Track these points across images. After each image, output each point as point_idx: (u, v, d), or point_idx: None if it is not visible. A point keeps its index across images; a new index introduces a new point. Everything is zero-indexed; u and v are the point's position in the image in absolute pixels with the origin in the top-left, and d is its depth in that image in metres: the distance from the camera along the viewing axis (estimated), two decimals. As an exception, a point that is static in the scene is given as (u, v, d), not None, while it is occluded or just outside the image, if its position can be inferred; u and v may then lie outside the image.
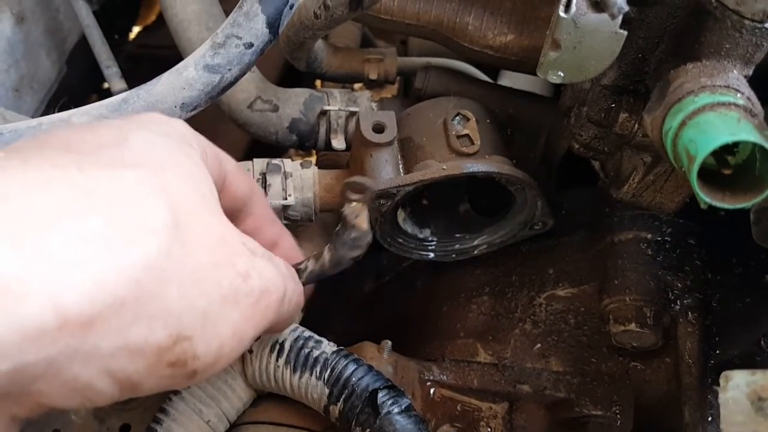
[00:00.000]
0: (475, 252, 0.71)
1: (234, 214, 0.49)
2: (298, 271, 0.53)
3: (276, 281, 0.42)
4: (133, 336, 0.34)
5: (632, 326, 0.59)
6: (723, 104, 0.37)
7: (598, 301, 0.62)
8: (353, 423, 0.54)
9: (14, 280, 0.29)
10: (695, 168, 0.36)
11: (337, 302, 0.81)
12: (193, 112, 0.54)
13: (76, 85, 1.00)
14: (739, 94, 0.38)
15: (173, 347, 0.35)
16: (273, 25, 0.53)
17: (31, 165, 0.33)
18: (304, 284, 0.53)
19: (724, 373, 0.34)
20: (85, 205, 0.33)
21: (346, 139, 0.72)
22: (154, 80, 0.53)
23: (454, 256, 0.71)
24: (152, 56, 1.10)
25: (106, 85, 0.96)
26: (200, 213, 0.37)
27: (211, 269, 0.37)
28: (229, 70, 0.53)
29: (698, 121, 0.37)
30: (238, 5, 0.54)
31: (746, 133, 0.35)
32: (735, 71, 0.41)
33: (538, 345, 0.65)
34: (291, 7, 0.54)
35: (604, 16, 0.42)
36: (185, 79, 0.53)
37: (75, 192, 0.33)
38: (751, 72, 0.43)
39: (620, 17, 0.41)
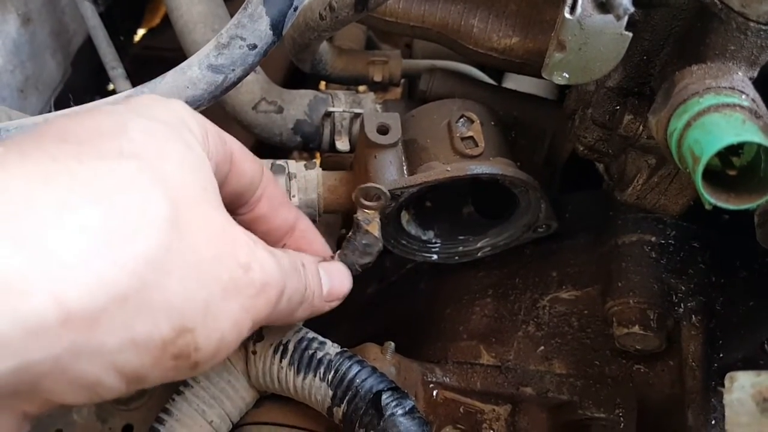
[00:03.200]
0: (479, 254, 0.71)
1: (245, 195, 0.49)
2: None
3: (275, 276, 0.41)
4: (138, 330, 0.34)
5: (636, 329, 0.59)
6: (728, 105, 0.37)
7: (601, 303, 0.63)
8: (357, 425, 0.54)
9: (16, 277, 0.29)
10: (700, 169, 0.36)
11: (341, 304, 0.81)
12: (198, 109, 0.54)
13: (81, 87, 1.00)
14: (743, 96, 0.38)
15: (176, 340, 0.35)
16: (277, 26, 0.53)
17: (31, 159, 0.33)
18: None
19: (728, 375, 0.34)
20: (85, 198, 0.32)
21: (350, 140, 0.72)
22: (159, 78, 0.54)
23: (457, 258, 0.71)
24: (157, 58, 1.10)
25: (110, 87, 0.96)
26: (200, 204, 0.37)
27: (212, 261, 0.37)
28: (233, 70, 0.54)
29: (703, 122, 0.37)
30: (242, 7, 0.54)
31: (751, 134, 0.35)
32: (740, 73, 0.41)
33: (542, 347, 0.65)
34: (295, 9, 0.54)
35: (610, 17, 0.42)
36: (189, 78, 0.53)
37: (75, 185, 0.33)
38: (756, 74, 0.43)
39: (625, 19, 0.41)
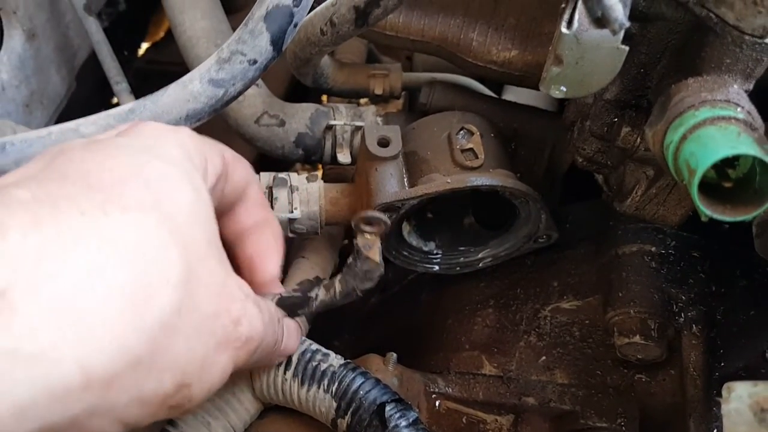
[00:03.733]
0: (480, 265, 0.71)
1: (235, 201, 0.50)
2: (308, 300, 0.54)
3: (259, 330, 0.43)
4: (146, 389, 0.35)
5: (637, 339, 0.59)
6: (723, 118, 0.38)
7: (602, 313, 0.63)
8: (360, 436, 0.54)
9: (50, 347, 0.31)
10: (696, 181, 0.37)
11: (343, 315, 0.81)
12: (197, 124, 0.55)
13: (85, 101, 1.01)
14: (739, 108, 0.39)
15: (176, 395, 0.37)
16: (277, 42, 0.54)
17: (62, 213, 0.33)
18: (313, 313, 0.55)
19: (726, 385, 0.35)
20: (112, 258, 0.33)
21: (351, 153, 0.72)
22: (161, 91, 0.54)
23: (458, 269, 0.72)
24: (161, 72, 1.11)
25: (115, 100, 0.97)
26: (208, 260, 0.39)
27: (211, 318, 0.38)
28: (233, 84, 0.54)
29: (699, 134, 0.37)
30: (243, 22, 0.55)
31: (746, 146, 0.35)
32: (735, 86, 0.42)
33: (543, 357, 0.65)
34: (295, 26, 0.55)
35: (606, 32, 0.42)
36: (190, 92, 0.54)
37: (103, 245, 0.33)
38: (751, 86, 0.44)
39: (622, 33, 0.42)
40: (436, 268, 0.71)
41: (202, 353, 0.38)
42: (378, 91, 0.75)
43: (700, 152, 0.36)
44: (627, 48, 0.43)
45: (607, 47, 0.43)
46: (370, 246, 0.56)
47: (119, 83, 0.82)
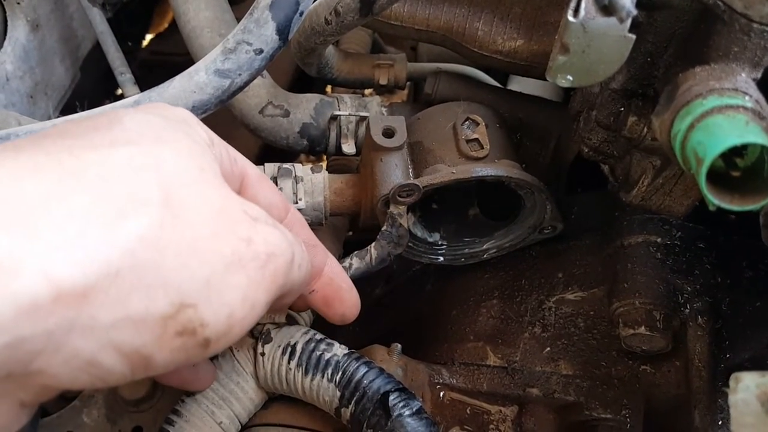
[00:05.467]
0: (485, 256, 0.71)
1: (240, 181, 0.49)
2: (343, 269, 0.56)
3: (282, 245, 0.41)
4: (133, 306, 0.34)
5: (642, 329, 0.59)
6: (731, 107, 0.37)
7: (607, 304, 0.62)
8: (365, 425, 0.54)
9: (6, 257, 0.30)
10: (704, 170, 0.36)
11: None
12: (203, 115, 0.55)
13: (89, 91, 1.01)
14: (747, 97, 0.38)
15: (177, 315, 0.35)
16: (283, 31, 0.54)
17: (24, 153, 0.34)
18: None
19: (733, 375, 0.34)
20: (72, 186, 0.33)
21: (356, 143, 0.72)
22: (166, 83, 0.54)
23: (463, 260, 0.72)
24: (165, 63, 1.11)
25: (119, 91, 0.97)
26: (197, 185, 0.38)
27: (210, 239, 0.37)
28: (239, 75, 0.54)
29: (707, 123, 0.37)
30: (248, 12, 0.55)
31: (754, 135, 0.35)
32: (743, 74, 0.41)
33: (548, 348, 0.65)
34: (300, 15, 0.54)
35: (613, 20, 0.42)
36: (196, 83, 0.54)
37: (63, 175, 0.34)
38: (759, 75, 0.43)
39: (629, 21, 0.42)
40: (441, 259, 0.71)
41: (205, 273, 0.36)
42: (383, 81, 0.75)
43: (708, 141, 0.36)
44: (634, 36, 0.43)
45: (614, 36, 0.42)
46: (402, 214, 0.62)
47: (123, 74, 0.82)
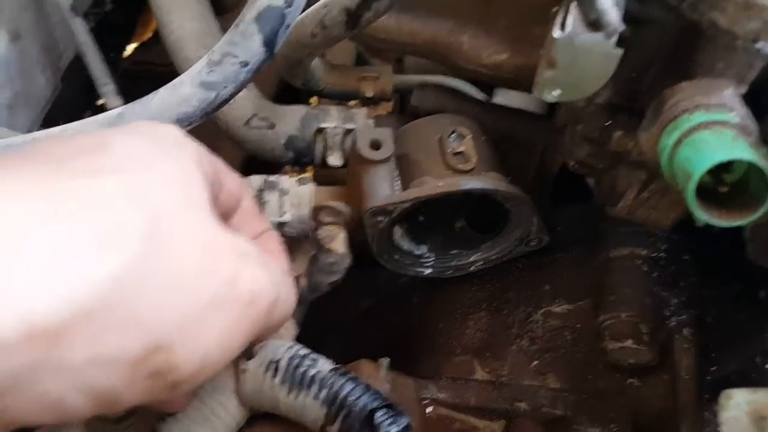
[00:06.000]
0: (472, 268, 0.71)
1: (229, 213, 0.48)
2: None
3: (266, 287, 0.40)
4: (106, 347, 0.32)
5: (628, 343, 0.59)
6: (718, 123, 0.38)
7: (594, 317, 0.63)
8: (351, 443, 0.53)
9: None
10: (692, 186, 0.36)
11: (334, 319, 0.80)
12: (188, 128, 0.54)
13: (71, 102, 1.00)
14: (734, 113, 0.39)
15: (149, 358, 0.34)
16: (269, 44, 0.53)
17: (8, 176, 0.33)
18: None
19: (724, 392, 0.34)
20: (52, 216, 0.32)
21: (343, 155, 0.72)
22: (151, 95, 0.53)
23: (450, 272, 0.71)
24: (149, 73, 1.10)
25: (100, 101, 0.96)
26: (184, 219, 0.36)
27: (193, 277, 0.35)
28: (225, 87, 0.53)
29: (694, 139, 0.37)
30: (234, 24, 0.54)
31: (740, 151, 0.35)
32: (730, 90, 0.41)
33: (536, 362, 0.65)
34: (287, 27, 0.54)
35: (600, 35, 0.42)
36: (181, 95, 0.53)
37: (46, 202, 0.32)
38: (745, 90, 0.43)
39: (616, 36, 0.42)
40: (428, 271, 0.71)
41: (182, 314, 0.34)
42: (369, 93, 0.75)
43: (696, 157, 0.36)
44: (621, 51, 0.43)
45: (601, 51, 0.43)
46: (333, 237, 0.55)
47: (106, 84, 0.81)
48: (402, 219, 0.67)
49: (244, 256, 0.39)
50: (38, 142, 0.38)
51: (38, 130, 0.92)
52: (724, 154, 0.35)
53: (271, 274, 0.41)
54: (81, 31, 0.84)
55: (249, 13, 0.54)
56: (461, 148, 0.65)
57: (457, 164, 0.64)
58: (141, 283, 0.33)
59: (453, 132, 0.66)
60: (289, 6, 0.53)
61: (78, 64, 0.95)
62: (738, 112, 0.39)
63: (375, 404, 0.54)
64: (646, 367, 0.60)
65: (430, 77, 0.81)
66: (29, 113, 0.94)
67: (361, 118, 0.72)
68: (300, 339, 0.62)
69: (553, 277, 0.68)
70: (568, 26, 0.42)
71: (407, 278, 0.77)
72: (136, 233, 0.33)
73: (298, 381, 0.55)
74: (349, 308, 0.78)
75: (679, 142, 0.38)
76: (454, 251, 0.71)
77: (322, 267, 0.54)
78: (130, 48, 1.18)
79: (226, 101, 0.55)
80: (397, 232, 0.69)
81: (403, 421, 0.54)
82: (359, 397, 0.54)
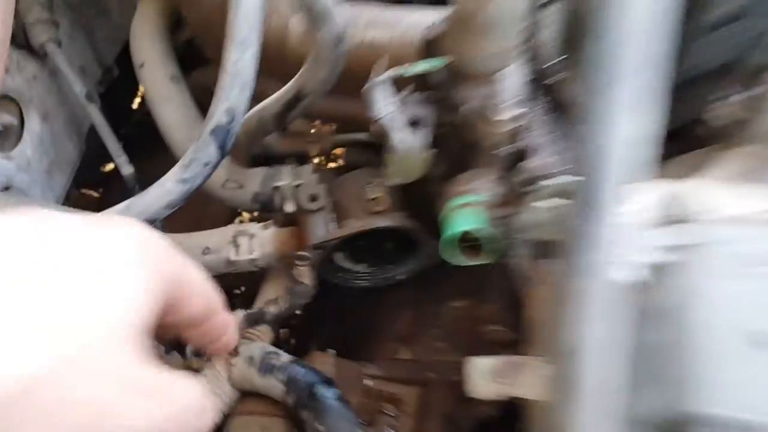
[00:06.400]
0: (398, 278, 1.08)
1: (192, 322, 0.48)
2: (263, 314, 0.93)
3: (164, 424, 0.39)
4: None
5: (498, 327, 0.96)
6: (468, 203, 0.74)
7: (480, 309, 0.99)
8: (302, 408, 0.92)
9: None
10: (449, 241, 0.73)
11: (305, 321, 1.19)
12: (175, 208, 0.92)
13: (93, 158, 1.40)
14: (482, 193, 0.75)
15: None
16: (222, 147, 0.91)
17: None
18: (269, 322, 0.93)
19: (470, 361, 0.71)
20: None
21: (295, 203, 1.09)
22: (145, 191, 0.91)
23: (383, 282, 1.09)
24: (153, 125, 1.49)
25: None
26: (111, 353, 0.36)
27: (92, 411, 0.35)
28: (196, 180, 0.91)
29: (453, 214, 0.74)
30: (197, 137, 0.91)
31: (468, 224, 0.71)
32: (490, 176, 0.77)
33: (443, 343, 1.02)
34: (233, 135, 0.91)
35: (416, 147, 0.78)
36: (166, 190, 0.91)
37: None
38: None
39: (424, 147, 0.78)
40: (366, 283, 1.09)
41: None
42: (314, 152, 1.12)
43: (449, 226, 0.73)
44: (431, 152, 0.79)
45: (416, 156, 0.79)
46: (303, 274, 0.94)
47: (119, 156, 1.20)
48: (343, 247, 1.05)
49: (148, 395, 0.39)
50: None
51: (70, 186, 1.32)
52: (465, 226, 0.72)
53: (161, 408, 0.39)
54: (95, 115, 1.23)
55: (206, 129, 0.92)
56: (377, 194, 1.02)
57: (373, 207, 1.01)
58: (16, 422, 0.33)
59: (369, 183, 1.03)
60: (231, 122, 0.91)
61: (95, 130, 1.35)
62: (487, 192, 0.75)
63: (315, 380, 0.92)
64: (510, 342, 0.97)
65: (360, 135, 1.17)
66: (63, 174, 1.35)
67: (306, 175, 1.09)
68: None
69: (456, 281, 1.05)
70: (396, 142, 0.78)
71: (351, 288, 1.15)
72: (27, 372, 0.33)
73: (267, 369, 0.95)
74: (316, 308, 1.16)
75: (448, 215, 0.75)
76: (385, 266, 1.09)
77: (296, 294, 0.96)
78: (137, 101, 1.58)
79: (199, 187, 0.93)
80: (339, 257, 1.07)
81: (336, 392, 0.93)
82: (304, 375, 0.93)
